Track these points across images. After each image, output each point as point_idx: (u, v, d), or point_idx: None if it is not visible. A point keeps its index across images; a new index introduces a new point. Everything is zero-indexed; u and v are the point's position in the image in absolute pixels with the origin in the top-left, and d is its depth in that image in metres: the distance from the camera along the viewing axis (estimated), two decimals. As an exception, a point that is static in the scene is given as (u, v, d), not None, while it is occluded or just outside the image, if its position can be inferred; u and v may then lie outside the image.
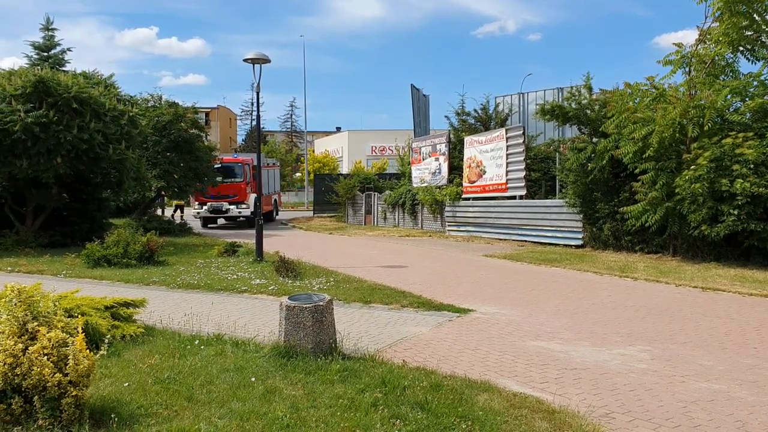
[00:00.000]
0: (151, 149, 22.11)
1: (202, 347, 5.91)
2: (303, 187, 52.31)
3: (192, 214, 27.32)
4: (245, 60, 13.46)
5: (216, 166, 25.63)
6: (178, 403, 4.40)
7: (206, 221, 27.09)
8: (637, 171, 13.44)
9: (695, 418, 4.43)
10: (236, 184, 26.36)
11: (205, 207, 26.38)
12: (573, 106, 16.35)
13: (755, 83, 13.17)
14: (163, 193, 24.45)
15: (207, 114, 62.00)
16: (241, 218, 27.14)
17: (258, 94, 14.68)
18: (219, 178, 25.53)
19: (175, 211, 30.70)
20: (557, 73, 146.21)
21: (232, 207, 26.10)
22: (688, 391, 4.99)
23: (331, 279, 10.83)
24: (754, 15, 12.74)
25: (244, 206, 26.08)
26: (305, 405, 4.38)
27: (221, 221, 28.19)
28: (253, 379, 4.93)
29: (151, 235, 13.51)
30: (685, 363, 5.80)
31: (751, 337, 6.83)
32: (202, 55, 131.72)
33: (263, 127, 75.29)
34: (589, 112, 16.11)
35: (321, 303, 5.59)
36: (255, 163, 16.15)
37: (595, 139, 15.58)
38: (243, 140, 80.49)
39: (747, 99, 13.00)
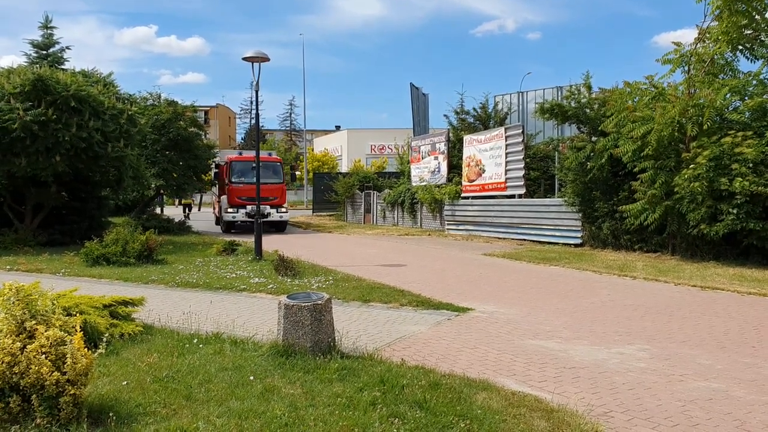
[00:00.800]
0: (150, 148, 22.13)
1: (200, 346, 5.90)
2: (302, 185, 52.34)
3: (227, 218, 23.26)
4: (244, 58, 13.44)
5: (254, 165, 24.77)
6: (177, 402, 4.40)
7: (230, 226, 23.32)
8: (636, 170, 13.44)
9: (694, 417, 4.43)
10: (277, 185, 23.69)
11: (243, 210, 22.77)
12: (572, 104, 16.36)
13: (754, 82, 13.18)
14: (162, 191, 24.43)
15: (206, 112, 62.08)
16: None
17: (257, 92, 14.66)
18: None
19: (190, 210, 30.65)
20: (557, 72, 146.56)
21: (272, 210, 23.09)
22: (686, 390, 4.98)
23: (330, 278, 10.82)
24: (754, 14, 12.72)
25: (283, 210, 23.61)
26: (304, 404, 4.38)
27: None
28: (251, 377, 4.92)
29: (150, 234, 13.52)
30: (683, 362, 5.80)
31: (750, 336, 6.83)
32: (202, 54, 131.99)
33: (262, 126, 75.41)
34: (588, 110, 16.12)
35: (320, 302, 5.59)
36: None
37: (594, 138, 15.58)
38: (242, 139, 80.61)
39: (746, 98, 13.00)
